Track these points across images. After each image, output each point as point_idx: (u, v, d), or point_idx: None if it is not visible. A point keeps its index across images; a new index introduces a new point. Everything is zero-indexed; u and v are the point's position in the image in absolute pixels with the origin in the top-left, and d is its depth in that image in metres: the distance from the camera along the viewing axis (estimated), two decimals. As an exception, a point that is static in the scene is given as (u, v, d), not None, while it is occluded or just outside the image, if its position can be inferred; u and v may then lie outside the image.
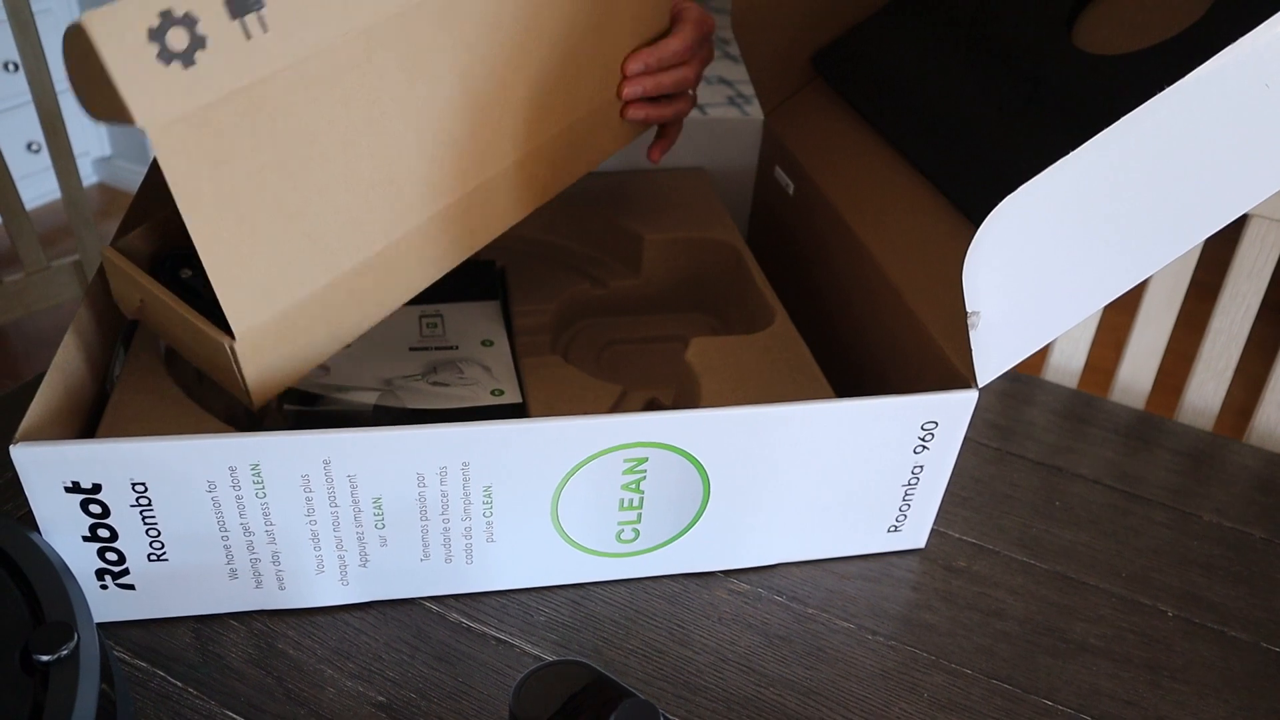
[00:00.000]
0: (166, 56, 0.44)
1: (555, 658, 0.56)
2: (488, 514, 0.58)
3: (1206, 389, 0.96)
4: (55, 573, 0.47)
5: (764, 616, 0.63)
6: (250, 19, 0.47)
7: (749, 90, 2.95)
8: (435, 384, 0.70)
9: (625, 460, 0.58)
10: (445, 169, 0.62)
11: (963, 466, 0.77)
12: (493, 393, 0.69)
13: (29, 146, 2.50)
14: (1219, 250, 1.02)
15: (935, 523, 0.71)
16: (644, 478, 0.59)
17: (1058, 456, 0.79)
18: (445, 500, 0.57)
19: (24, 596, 0.46)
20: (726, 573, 0.65)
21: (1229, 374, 0.96)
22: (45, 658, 0.43)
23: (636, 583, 0.64)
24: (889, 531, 0.67)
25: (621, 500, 0.60)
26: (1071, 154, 0.52)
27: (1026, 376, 0.89)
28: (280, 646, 0.58)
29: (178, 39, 0.44)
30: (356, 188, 0.57)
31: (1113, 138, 0.52)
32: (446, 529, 0.58)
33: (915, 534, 0.68)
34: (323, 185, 0.55)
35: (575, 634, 0.60)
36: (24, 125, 2.43)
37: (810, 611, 0.63)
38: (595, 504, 0.60)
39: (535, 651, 0.59)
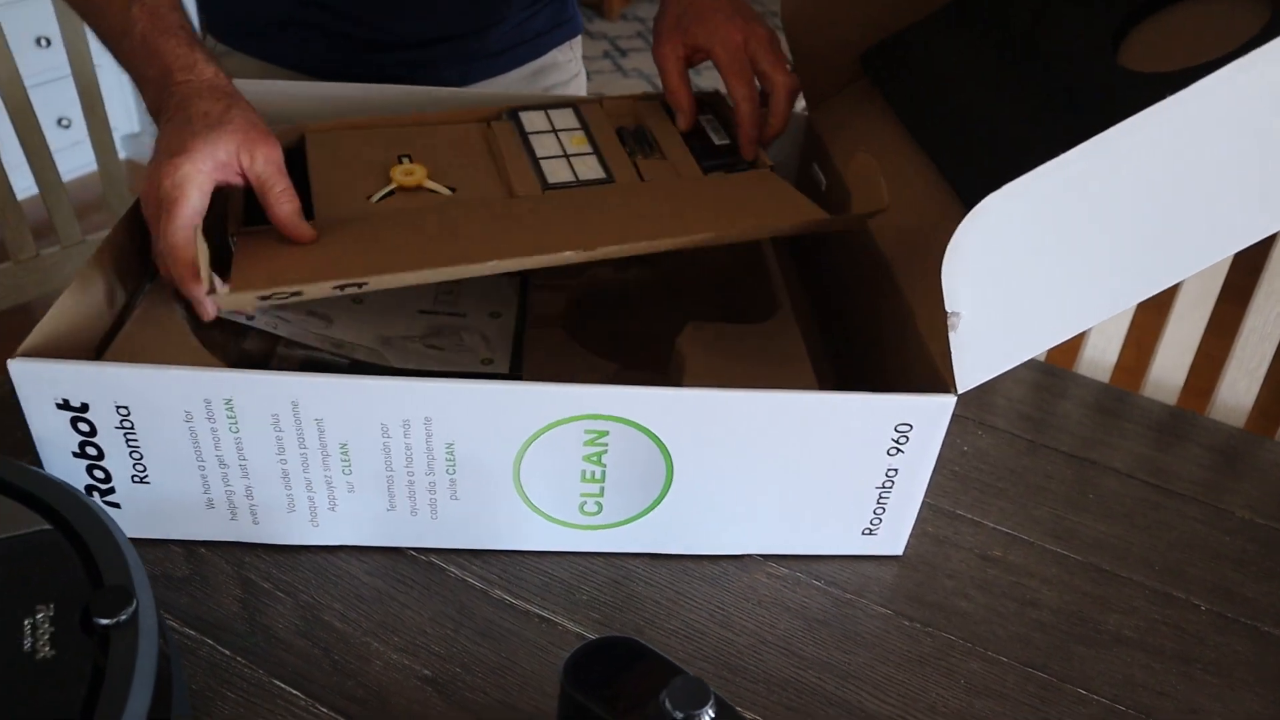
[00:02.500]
0: (266, 298, 0.60)
1: (600, 635, 0.56)
2: (450, 471, 0.59)
3: (1239, 386, 0.96)
4: (112, 537, 0.48)
5: (802, 600, 0.63)
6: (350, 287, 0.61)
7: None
8: (430, 347, 0.70)
9: (586, 431, 0.57)
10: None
11: (997, 457, 0.77)
12: (483, 361, 0.70)
13: (59, 121, 2.51)
14: (1252, 251, 1.02)
15: (970, 513, 0.71)
16: (605, 450, 0.58)
17: (1090, 450, 0.79)
18: (409, 453, 0.58)
19: (81, 560, 0.47)
20: (765, 556, 0.66)
21: (1262, 372, 0.95)
22: (105, 621, 0.43)
23: (678, 564, 0.64)
24: (864, 534, 0.65)
25: (584, 472, 0.60)
26: (1075, 149, 0.49)
27: (1060, 369, 0.89)
28: (326, 619, 0.58)
29: (281, 296, 0.60)
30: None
31: (1122, 135, 0.49)
32: (411, 482, 0.59)
33: (893, 540, 0.65)
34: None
35: (617, 613, 0.61)
36: (54, 100, 2.44)
37: (848, 596, 0.63)
38: (557, 472, 0.59)
39: (578, 629, 0.59)
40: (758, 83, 0.80)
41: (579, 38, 1.10)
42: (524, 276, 0.80)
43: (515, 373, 0.70)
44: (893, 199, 0.76)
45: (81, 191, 2.64)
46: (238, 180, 0.64)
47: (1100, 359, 0.99)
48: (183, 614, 0.58)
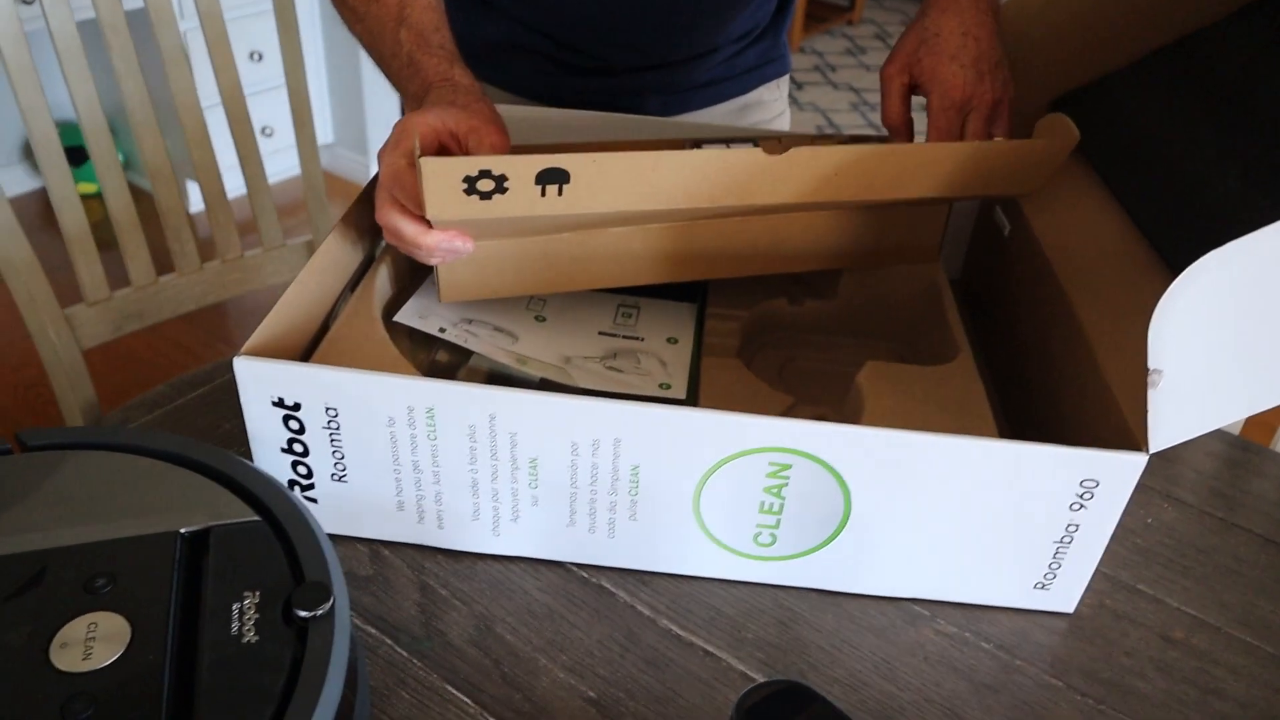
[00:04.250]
0: (470, 192, 0.59)
1: (765, 677, 0.56)
2: (633, 492, 0.60)
3: None
4: (315, 536, 0.50)
5: (970, 662, 0.61)
6: (550, 188, 0.61)
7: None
8: (610, 368, 0.72)
9: (770, 464, 0.58)
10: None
11: (1184, 533, 0.73)
12: (661, 385, 0.71)
13: (263, 130, 2.67)
14: None
15: (1153, 589, 0.68)
16: (786, 484, 0.59)
17: (1289, 535, 0.75)
18: (595, 472, 0.59)
19: (286, 555, 0.50)
20: (933, 610, 0.64)
21: None
22: (305, 614, 0.46)
23: (844, 611, 0.63)
24: (1036, 588, 0.63)
25: (762, 503, 0.60)
26: None
27: (1256, 445, 0.84)
28: (498, 631, 0.60)
29: (485, 185, 0.59)
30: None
31: None
32: (593, 500, 0.61)
33: (1065, 596, 0.64)
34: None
35: (782, 655, 0.60)
36: (260, 111, 2.61)
37: (1018, 663, 0.62)
38: (736, 502, 0.60)
39: (742, 668, 0.59)
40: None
41: (786, 77, 1.11)
42: (701, 303, 0.81)
43: (692, 399, 0.71)
44: (1087, 252, 0.73)
45: (279, 196, 2.81)
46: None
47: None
48: (366, 612, 0.61)
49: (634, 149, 0.78)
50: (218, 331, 2.22)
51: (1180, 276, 0.50)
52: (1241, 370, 0.55)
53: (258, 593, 0.47)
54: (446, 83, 0.70)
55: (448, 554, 0.65)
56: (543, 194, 0.61)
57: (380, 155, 0.65)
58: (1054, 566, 0.62)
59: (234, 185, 1.25)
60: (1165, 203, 0.71)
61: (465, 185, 0.59)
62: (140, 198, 1.20)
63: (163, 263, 1.16)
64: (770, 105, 1.09)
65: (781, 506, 0.60)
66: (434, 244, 0.64)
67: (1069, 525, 0.60)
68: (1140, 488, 0.77)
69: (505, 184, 0.59)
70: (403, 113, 0.78)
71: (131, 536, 0.49)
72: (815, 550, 0.62)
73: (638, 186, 0.63)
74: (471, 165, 0.58)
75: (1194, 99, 0.76)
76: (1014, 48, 0.81)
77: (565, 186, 0.61)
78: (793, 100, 3.58)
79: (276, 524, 0.51)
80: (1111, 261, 0.72)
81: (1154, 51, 0.83)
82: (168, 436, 0.54)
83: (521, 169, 0.59)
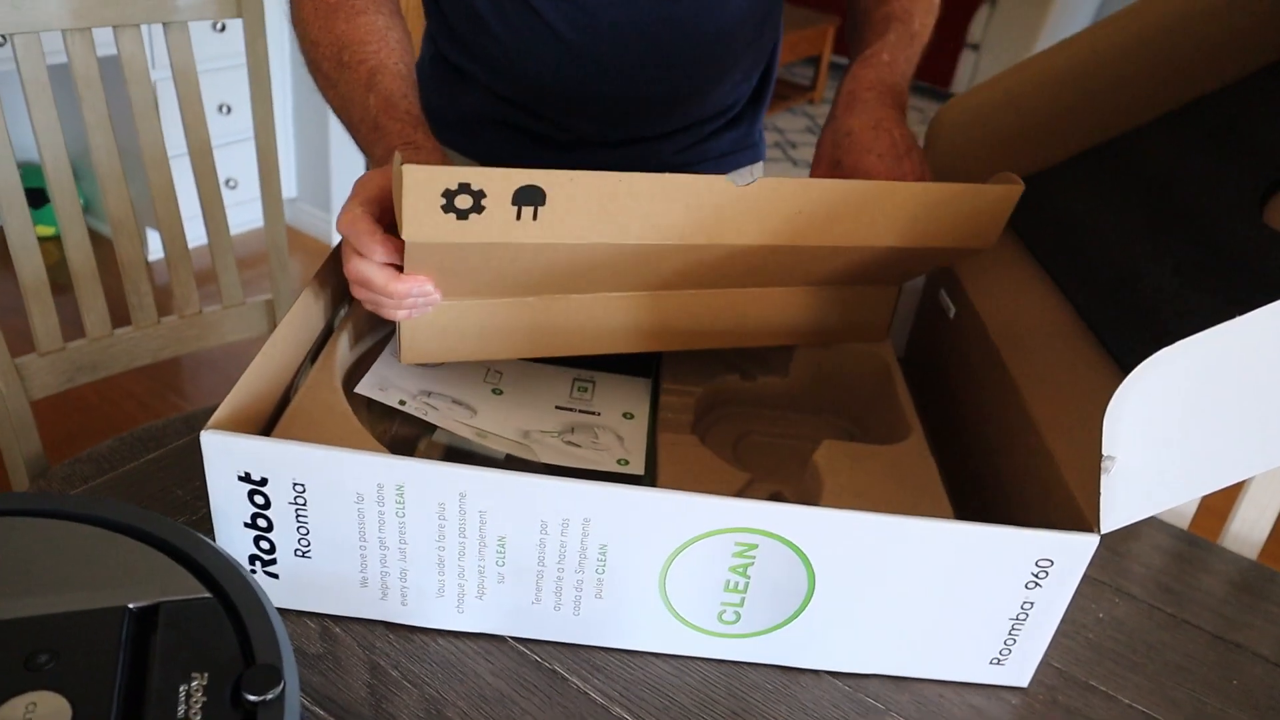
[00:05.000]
0: (449, 209, 0.58)
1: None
2: (600, 571, 0.60)
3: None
4: (267, 615, 0.49)
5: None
6: (526, 211, 0.60)
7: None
8: (569, 443, 0.72)
9: (737, 544, 0.59)
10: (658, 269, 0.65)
11: (1134, 629, 0.74)
12: (619, 462, 0.71)
13: (227, 182, 2.66)
14: None
15: (1105, 685, 0.69)
16: (752, 563, 0.60)
17: (1236, 631, 0.75)
18: (563, 550, 0.60)
19: (237, 634, 0.49)
20: (887, 703, 0.64)
21: None
22: (254, 698, 0.44)
23: (798, 700, 0.63)
24: (991, 663, 0.65)
25: (728, 582, 0.61)
26: (1239, 319, 0.51)
27: (1204, 541, 0.86)
28: (449, 715, 0.58)
29: (464, 202, 0.58)
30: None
31: None
32: (560, 578, 0.61)
33: (1019, 671, 0.66)
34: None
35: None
36: (226, 163, 2.60)
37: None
38: (702, 580, 0.61)
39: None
40: None
41: (760, 164, 1.13)
42: (655, 378, 0.82)
43: (650, 475, 0.71)
44: (1031, 336, 0.77)
45: (241, 248, 2.79)
46: None
47: (1248, 534, 0.95)
48: (314, 692, 0.59)
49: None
50: (170, 383, 2.19)
51: (1133, 373, 0.53)
52: (1186, 457, 0.58)
53: (206, 674, 0.46)
54: (409, 145, 0.72)
55: (399, 633, 0.64)
56: (518, 216, 0.60)
57: (339, 216, 0.66)
58: (1009, 643, 0.64)
59: (196, 235, 1.24)
60: (1105, 293, 0.75)
61: (444, 200, 0.58)
62: (99, 242, 1.19)
63: (119, 313, 1.15)
64: None
65: (747, 585, 0.61)
66: (405, 290, 0.64)
67: (1024, 603, 0.62)
68: (1092, 581, 0.78)
69: (483, 200, 0.59)
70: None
71: (77, 610, 0.47)
72: (778, 628, 0.63)
73: (610, 209, 0.62)
74: (451, 177, 0.58)
75: (1123, 196, 0.81)
76: (948, 150, 0.85)
77: (541, 210, 0.60)
78: (787, 157, 3.68)
79: (228, 601, 0.50)
80: (1055, 345, 0.75)
81: (1082, 152, 0.88)
82: (118, 505, 0.53)
83: (499, 183, 0.59)
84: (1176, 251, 0.73)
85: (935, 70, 4.58)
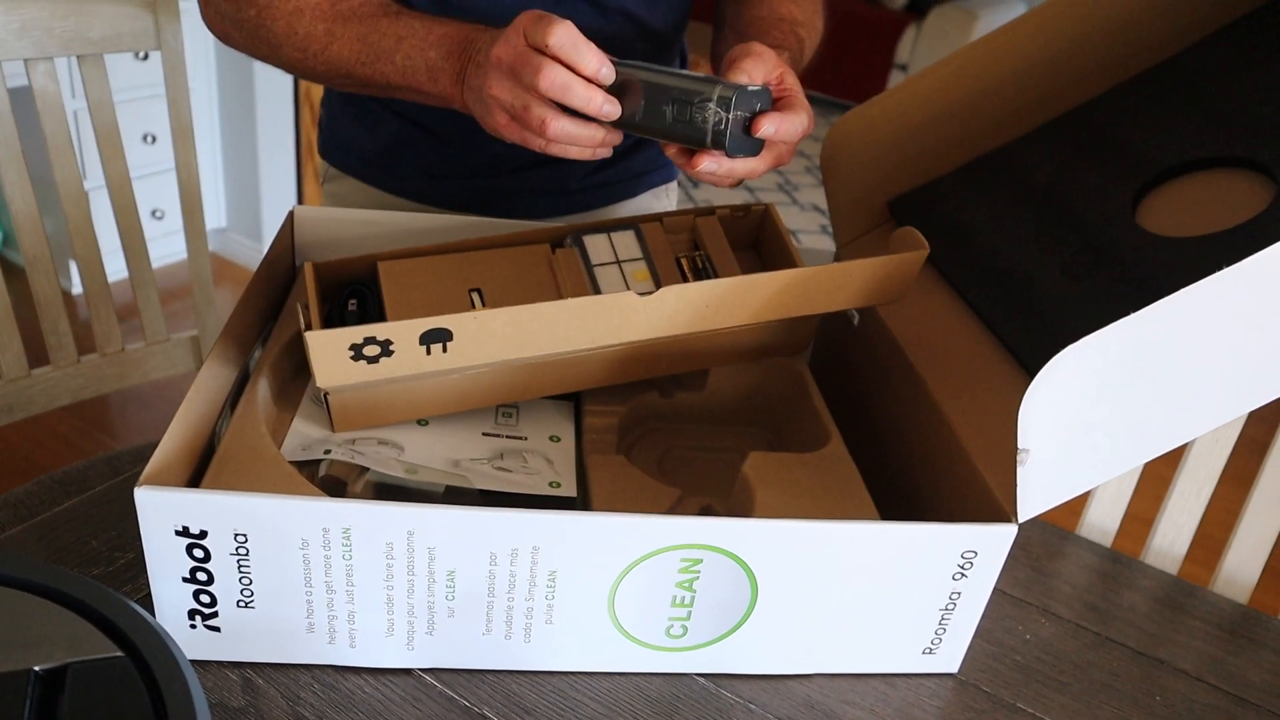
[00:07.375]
0: (358, 358, 0.63)
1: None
2: (550, 597, 0.61)
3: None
4: (181, 673, 0.48)
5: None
6: (435, 347, 0.64)
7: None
8: (499, 469, 0.72)
9: (682, 560, 0.61)
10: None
11: (1060, 649, 0.75)
12: (550, 484, 0.72)
13: (153, 213, 2.61)
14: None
15: (1032, 707, 0.69)
16: (697, 577, 0.62)
17: (1158, 647, 0.77)
18: (513, 580, 0.60)
19: (150, 694, 0.47)
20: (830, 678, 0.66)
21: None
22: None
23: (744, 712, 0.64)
24: (924, 653, 0.69)
25: (674, 597, 0.63)
26: (1131, 316, 0.56)
27: (1127, 558, 0.87)
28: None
29: (371, 351, 0.63)
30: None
31: (1170, 308, 0.56)
32: (510, 607, 0.62)
33: (949, 658, 0.70)
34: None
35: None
36: (152, 193, 2.55)
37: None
38: (650, 597, 0.63)
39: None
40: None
41: (673, 184, 1.13)
42: (577, 400, 0.83)
43: (583, 496, 0.72)
44: (935, 339, 0.81)
45: (170, 279, 2.74)
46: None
47: (1169, 549, 0.97)
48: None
49: (514, 243, 0.79)
50: (96, 421, 2.10)
51: (1041, 372, 0.57)
52: (1092, 445, 0.63)
53: (115, 738, 0.44)
54: (479, 29, 0.75)
55: (325, 682, 0.62)
56: (428, 353, 0.64)
57: (483, 55, 0.70)
58: (939, 632, 0.68)
59: (117, 268, 1.21)
60: (1001, 294, 0.80)
61: (352, 352, 0.62)
62: (15, 274, 1.16)
63: (37, 352, 1.12)
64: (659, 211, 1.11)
65: (693, 599, 0.63)
66: (599, 102, 0.67)
67: (952, 593, 0.66)
68: (1019, 604, 0.79)
69: (391, 346, 0.63)
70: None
71: (-21, 674, 0.46)
72: (724, 637, 0.65)
73: (518, 337, 0.66)
74: (356, 334, 0.62)
75: (1013, 200, 0.87)
76: (844, 159, 0.90)
77: (449, 344, 0.64)
78: (691, 200, 3.66)
79: (140, 660, 0.48)
80: (959, 347, 0.79)
81: (975, 160, 0.94)
82: (25, 560, 0.51)
83: (404, 333, 0.62)
84: (1061, 251, 0.79)
85: (863, 90, 4.60)
